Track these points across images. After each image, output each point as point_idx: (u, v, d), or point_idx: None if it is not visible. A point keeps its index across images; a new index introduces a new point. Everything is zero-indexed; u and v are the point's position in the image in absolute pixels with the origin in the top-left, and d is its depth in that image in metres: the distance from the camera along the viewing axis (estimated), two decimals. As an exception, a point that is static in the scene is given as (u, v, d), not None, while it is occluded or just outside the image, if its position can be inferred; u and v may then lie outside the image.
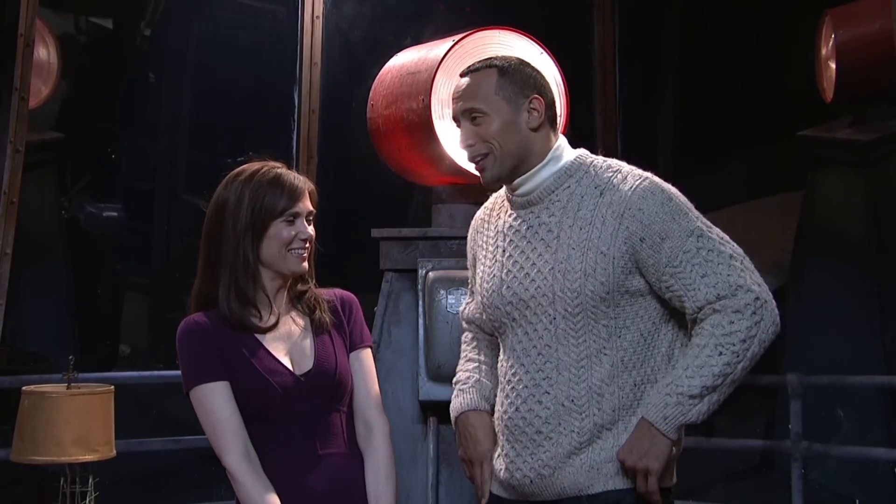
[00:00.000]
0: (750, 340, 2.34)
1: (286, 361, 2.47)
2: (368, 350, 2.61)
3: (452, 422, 2.70)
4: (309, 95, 4.99)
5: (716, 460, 5.58)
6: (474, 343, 2.74)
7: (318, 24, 4.95)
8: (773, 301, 2.38)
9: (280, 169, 2.52)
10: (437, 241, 3.74)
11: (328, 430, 2.48)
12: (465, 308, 2.78)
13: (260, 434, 2.43)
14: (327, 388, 2.49)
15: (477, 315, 2.70)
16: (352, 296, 2.64)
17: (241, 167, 2.53)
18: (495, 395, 2.60)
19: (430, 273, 3.61)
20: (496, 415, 2.56)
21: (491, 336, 2.70)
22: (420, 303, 3.62)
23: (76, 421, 3.62)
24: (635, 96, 5.56)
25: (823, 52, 5.53)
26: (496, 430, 2.56)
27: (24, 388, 3.75)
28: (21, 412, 3.68)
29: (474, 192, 3.75)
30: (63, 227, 5.91)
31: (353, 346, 2.57)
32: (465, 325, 2.78)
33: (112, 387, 3.80)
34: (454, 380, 2.74)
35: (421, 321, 3.61)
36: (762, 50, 5.94)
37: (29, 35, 4.03)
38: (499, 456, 2.53)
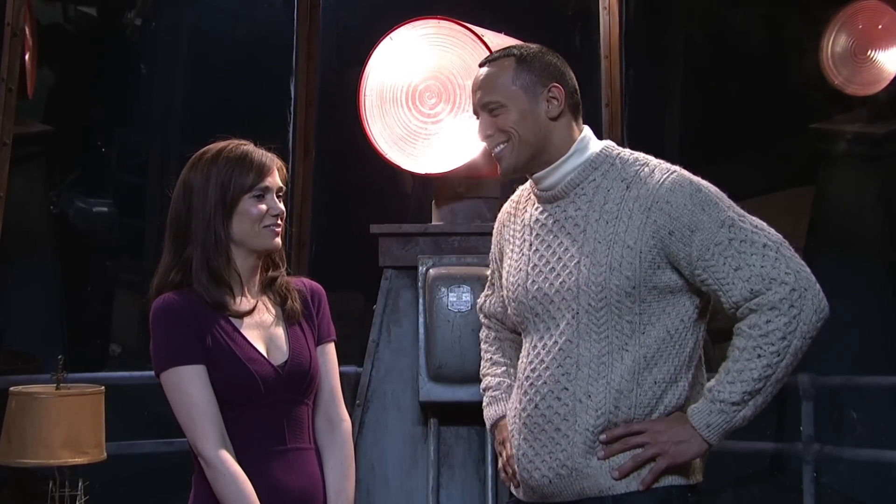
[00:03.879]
0: (790, 336, 2.32)
1: (263, 351, 2.49)
2: (333, 345, 2.63)
3: (489, 429, 2.70)
4: (306, 87, 4.97)
5: (725, 463, 5.57)
6: (497, 344, 2.74)
7: (315, 13, 4.94)
8: (816, 286, 2.36)
9: (247, 146, 2.53)
10: (437, 238, 3.73)
11: (297, 424, 2.50)
12: (484, 301, 2.78)
13: (232, 423, 2.43)
14: (301, 381, 2.51)
15: (499, 309, 2.70)
16: (320, 287, 2.66)
17: (206, 147, 2.54)
18: None
19: (431, 270, 3.60)
20: (512, 413, 2.55)
21: (513, 333, 2.71)
22: (420, 301, 3.62)
23: (65, 422, 3.61)
24: (642, 88, 5.56)
25: (846, 42, 5.49)
26: (512, 429, 2.54)
27: (11, 388, 3.75)
28: (8, 413, 3.68)
29: (476, 188, 3.74)
30: (52, 223, 5.92)
31: (319, 339, 2.59)
32: (484, 319, 2.78)
33: (102, 387, 3.79)
34: (483, 385, 2.73)
35: (421, 320, 3.60)
36: (773, 41, 5.94)
37: (16, 24, 4.01)
38: (517, 457, 2.52)
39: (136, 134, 6.36)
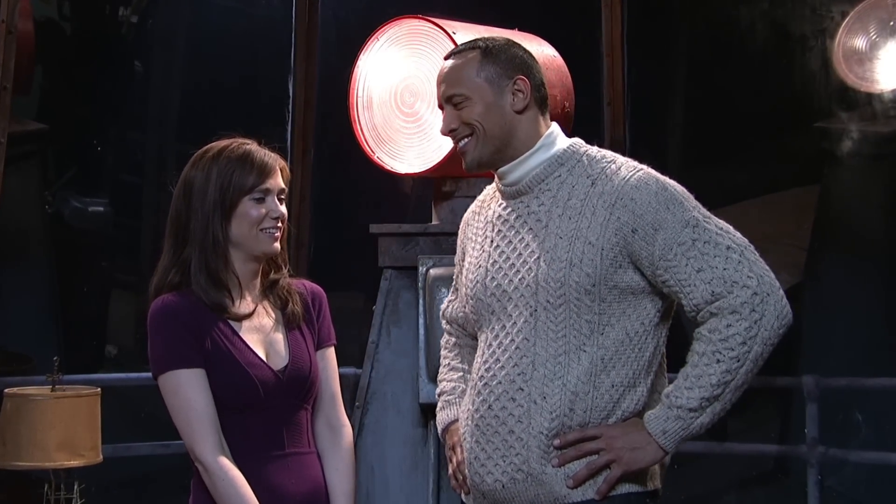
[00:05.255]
0: (751, 342, 2.29)
1: (262, 355, 2.48)
2: (333, 349, 2.62)
3: (440, 434, 2.68)
4: (304, 86, 4.98)
5: (728, 466, 5.59)
6: (456, 350, 2.72)
7: (314, 10, 4.94)
8: (779, 292, 2.32)
9: (250, 145, 2.51)
10: (438, 238, 3.73)
11: (296, 429, 2.50)
12: (447, 307, 2.76)
13: (230, 428, 2.42)
14: (301, 385, 2.50)
15: (461, 315, 2.68)
16: (321, 290, 2.65)
17: (209, 145, 2.53)
18: None
19: (431, 270, 3.61)
20: (465, 415, 2.51)
21: (474, 339, 2.69)
22: (420, 301, 3.62)
23: (61, 424, 3.61)
24: (645, 86, 5.55)
25: (860, 38, 5.45)
26: (463, 432, 2.51)
27: (6, 390, 3.75)
28: (3, 415, 3.68)
29: (469, 186, 3.75)
30: (47, 223, 5.91)
31: (320, 343, 2.59)
32: (446, 325, 2.76)
33: (98, 389, 3.79)
34: (438, 391, 2.72)
35: (421, 321, 3.61)
36: (777, 37, 5.94)
37: (11, 21, 4.00)
38: (468, 460, 2.48)
39: (133, 133, 6.36)
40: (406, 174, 3.69)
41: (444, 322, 2.76)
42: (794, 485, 5.36)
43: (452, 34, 3.50)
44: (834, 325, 5.56)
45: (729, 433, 5.39)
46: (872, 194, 5.67)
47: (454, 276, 2.74)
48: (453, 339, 2.73)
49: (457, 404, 2.63)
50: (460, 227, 2.70)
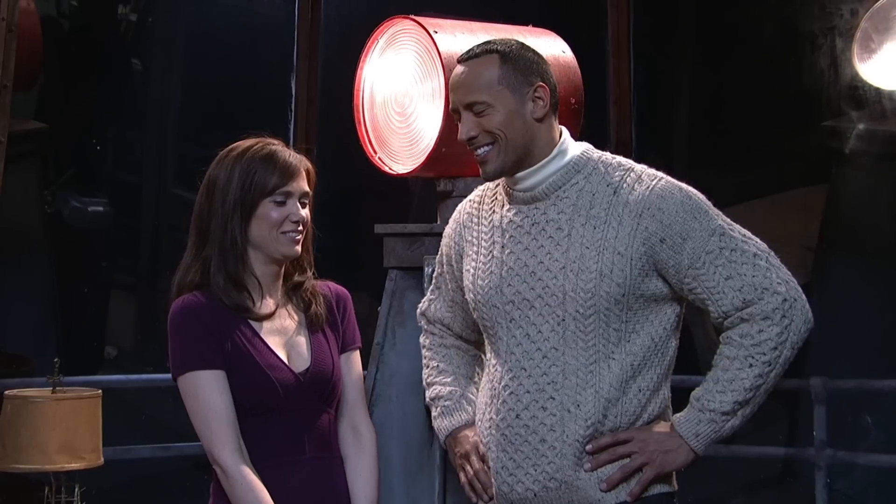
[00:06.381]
0: (781, 346, 2.35)
1: (283, 357, 2.47)
2: (358, 352, 2.62)
3: (443, 442, 2.68)
4: (306, 84, 4.98)
5: (736, 469, 5.59)
6: (444, 351, 2.72)
7: (317, 7, 4.94)
8: (803, 296, 2.39)
9: (275, 146, 2.50)
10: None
11: (317, 433, 2.49)
12: (427, 306, 2.75)
13: (250, 431, 2.42)
14: (323, 389, 2.49)
15: (447, 314, 2.68)
16: (346, 292, 2.64)
17: (236, 143, 2.52)
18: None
19: (437, 271, 3.60)
20: (488, 424, 2.51)
21: (458, 339, 2.69)
22: (425, 302, 3.62)
23: (62, 427, 3.61)
24: (651, 85, 5.56)
25: (888, 31, 5.43)
26: (487, 441, 2.52)
27: (6, 392, 3.75)
28: (3, 418, 3.68)
29: (476, 185, 3.74)
30: (46, 223, 5.92)
31: (344, 346, 2.58)
32: (427, 325, 2.75)
33: (99, 391, 3.79)
34: (431, 395, 2.70)
35: (426, 321, 3.61)
36: (785, 35, 5.94)
37: (11, 19, 4.00)
38: (495, 469, 2.49)
39: (133, 132, 6.36)
40: (399, 174, 3.69)
41: (424, 322, 2.75)
42: (802, 488, 5.36)
43: (433, 33, 3.49)
44: (842, 326, 5.56)
45: (736, 436, 5.37)
46: (881, 194, 5.67)
47: (435, 275, 2.73)
48: (438, 340, 2.72)
49: (459, 410, 2.63)
50: (451, 227, 2.68)
